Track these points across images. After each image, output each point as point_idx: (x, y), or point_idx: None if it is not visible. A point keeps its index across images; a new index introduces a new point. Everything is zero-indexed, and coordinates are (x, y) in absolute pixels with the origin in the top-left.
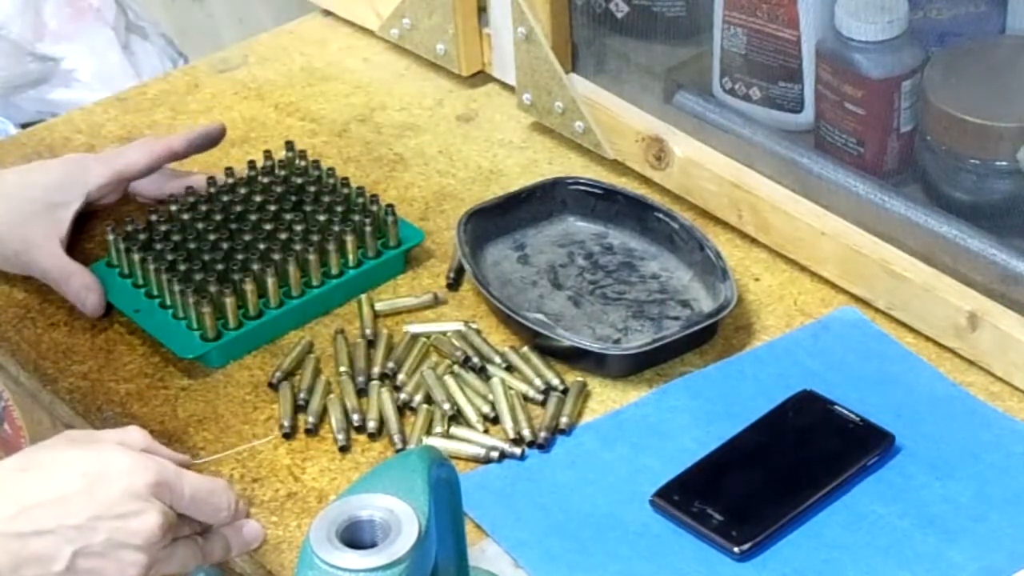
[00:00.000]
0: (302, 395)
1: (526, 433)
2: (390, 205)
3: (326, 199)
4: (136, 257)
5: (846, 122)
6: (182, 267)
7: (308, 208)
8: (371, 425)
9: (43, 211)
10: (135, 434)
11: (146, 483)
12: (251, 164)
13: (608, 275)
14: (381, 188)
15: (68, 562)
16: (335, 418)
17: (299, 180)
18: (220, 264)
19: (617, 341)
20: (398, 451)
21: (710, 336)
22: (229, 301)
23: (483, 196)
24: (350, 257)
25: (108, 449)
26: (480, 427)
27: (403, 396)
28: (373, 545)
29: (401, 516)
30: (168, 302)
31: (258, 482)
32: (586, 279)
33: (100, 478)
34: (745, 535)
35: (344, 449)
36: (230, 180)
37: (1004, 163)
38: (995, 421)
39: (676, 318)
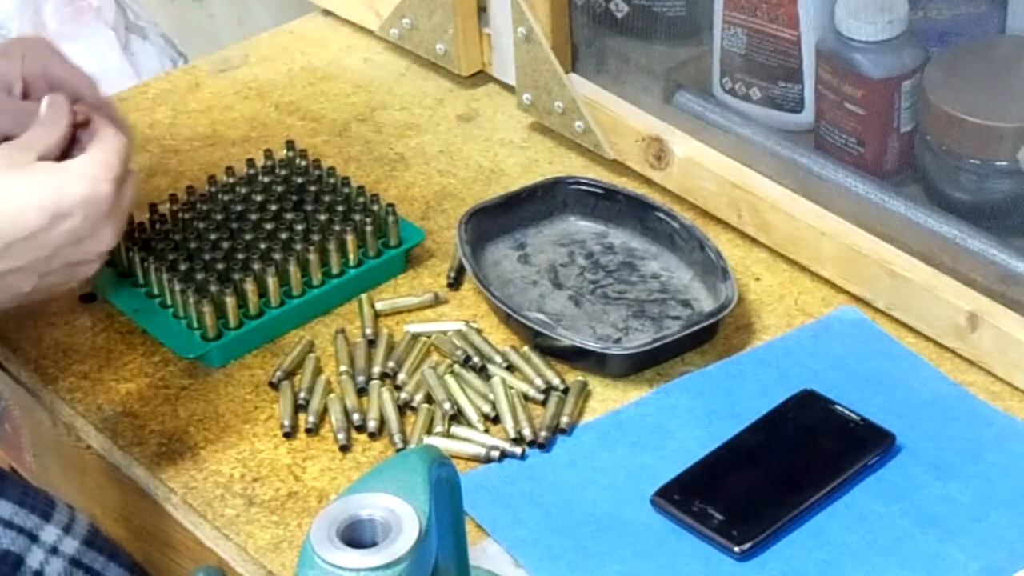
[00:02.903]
0: (302, 395)
1: (527, 433)
2: (391, 204)
3: (327, 198)
4: (136, 257)
5: (846, 122)
6: (182, 267)
7: (309, 207)
8: (371, 425)
9: None
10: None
11: (103, 209)
12: (251, 163)
13: (609, 275)
14: (382, 187)
15: (33, 286)
16: (335, 417)
17: (300, 179)
18: (221, 263)
19: (618, 341)
20: (398, 450)
21: (710, 336)
22: (230, 300)
23: (484, 196)
24: (351, 256)
25: (67, 178)
26: (481, 427)
27: (403, 395)
28: (373, 544)
29: (402, 515)
30: (168, 302)
31: (259, 481)
32: (587, 279)
33: (60, 211)
34: (745, 534)
35: (344, 449)
36: (230, 180)
37: (1004, 163)
38: (995, 421)
39: (677, 318)
